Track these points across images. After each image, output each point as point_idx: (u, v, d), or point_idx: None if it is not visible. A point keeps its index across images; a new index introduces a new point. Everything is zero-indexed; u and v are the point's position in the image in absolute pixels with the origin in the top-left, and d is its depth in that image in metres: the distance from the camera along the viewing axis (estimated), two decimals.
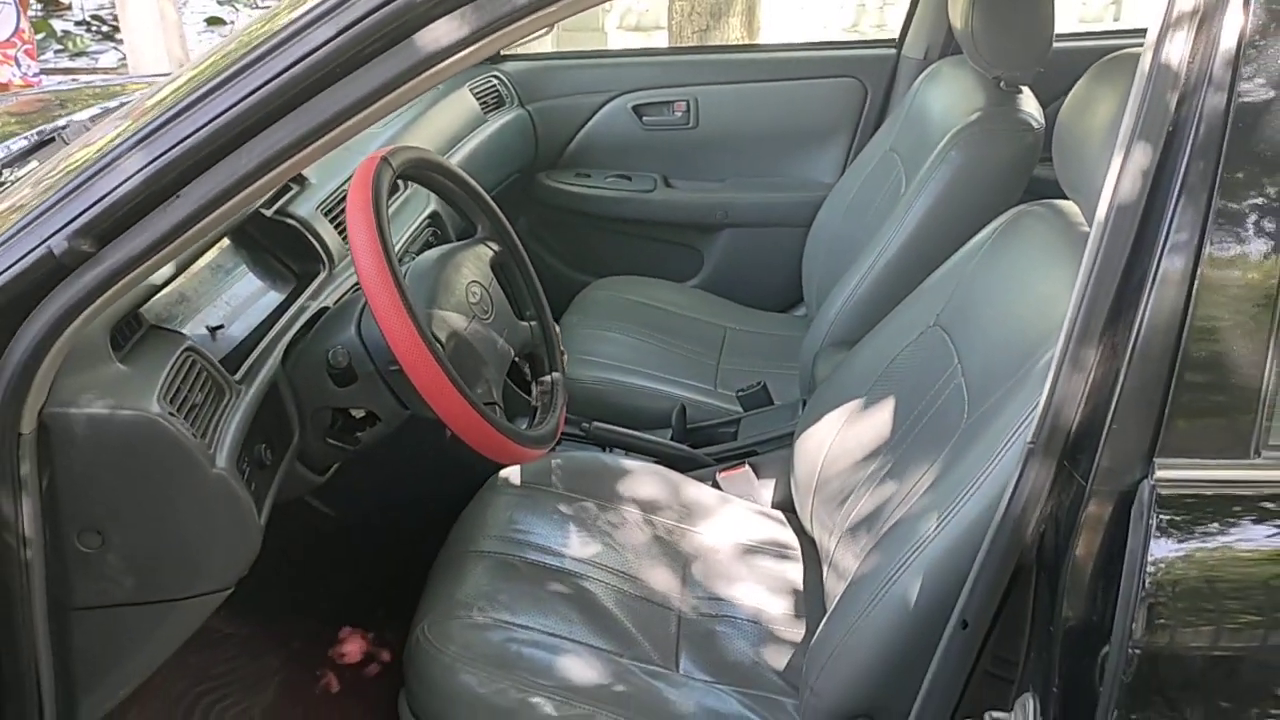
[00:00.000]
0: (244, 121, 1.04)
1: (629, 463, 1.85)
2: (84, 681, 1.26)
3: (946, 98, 2.10)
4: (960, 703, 1.11)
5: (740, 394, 2.11)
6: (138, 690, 1.73)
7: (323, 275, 1.69)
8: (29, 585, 1.15)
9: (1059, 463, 0.99)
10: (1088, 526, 0.96)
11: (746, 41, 4.89)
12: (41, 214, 1.08)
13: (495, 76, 2.69)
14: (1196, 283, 0.92)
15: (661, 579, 1.65)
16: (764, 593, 1.65)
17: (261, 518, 1.31)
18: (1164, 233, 0.93)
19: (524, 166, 2.73)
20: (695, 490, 1.82)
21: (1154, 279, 0.93)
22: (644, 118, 2.75)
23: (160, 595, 1.25)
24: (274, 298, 1.61)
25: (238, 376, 1.38)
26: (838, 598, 1.38)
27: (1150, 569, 0.92)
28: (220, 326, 1.47)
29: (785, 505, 1.85)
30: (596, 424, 2.00)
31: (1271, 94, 0.92)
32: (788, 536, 1.78)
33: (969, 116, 1.94)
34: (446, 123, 2.40)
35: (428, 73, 1.05)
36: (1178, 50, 0.94)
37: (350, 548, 1.93)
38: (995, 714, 1.07)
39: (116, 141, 1.09)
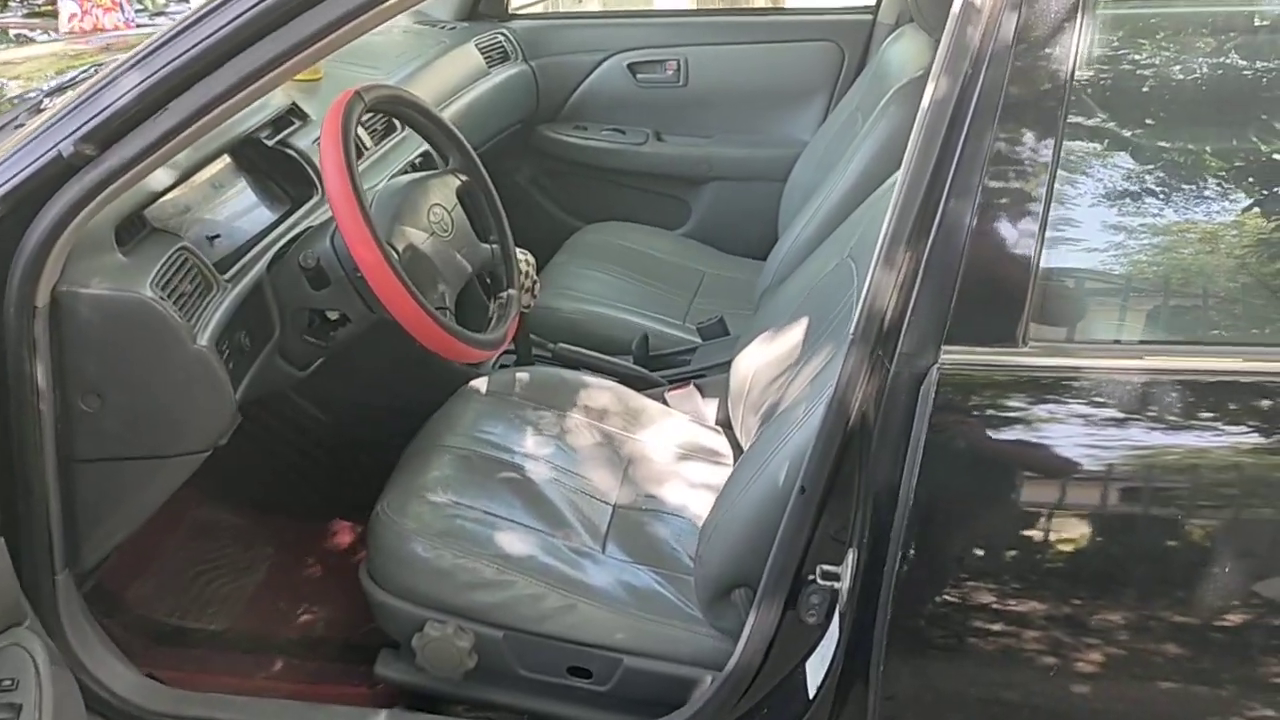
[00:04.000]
0: (220, 48, 1.26)
1: (586, 378, 2.05)
2: (85, 525, 1.50)
3: (899, 59, 2.28)
4: (804, 561, 1.31)
5: (699, 326, 2.31)
6: (144, 567, 1.99)
7: (315, 199, 1.90)
8: (41, 437, 1.39)
9: (873, 351, 1.18)
10: (890, 404, 1.15)
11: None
12: (54, 124, 1.30)
13: (501, 34, 2.91)
14: (978, 199, 1.11)
15: (602, 477, 1.85)
16: (692, 492, 1.86)
17: (237, 394, 1.54)
18: (956, 155, 1.12)
19: (525, 118, 2.94)
20: (643, 404, 2.02)
21: (947, 195, 1.12)
22: (638, 75, 2.96)
23: (148, 452, 1.48)
24: (269, 215, 1.83)
25: (226, 275, 1.60)
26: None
27: (929, 437, 1.11)
28: (217, 235, 1.70)
29: (726, 421, 2.05)
30: (562, 345, 2.21)
31: (1045, 39, 1.11)
32: (722, 446, 1.99)
33: (912, 75, 2.12)
34: (450, 74, 2.61)
35: (372, 11, 1.26)
36: None
37: (339, 449, 2.16)
38: (825, 566, 1.27)
39: (118, 63, 1.32)
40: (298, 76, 2.16)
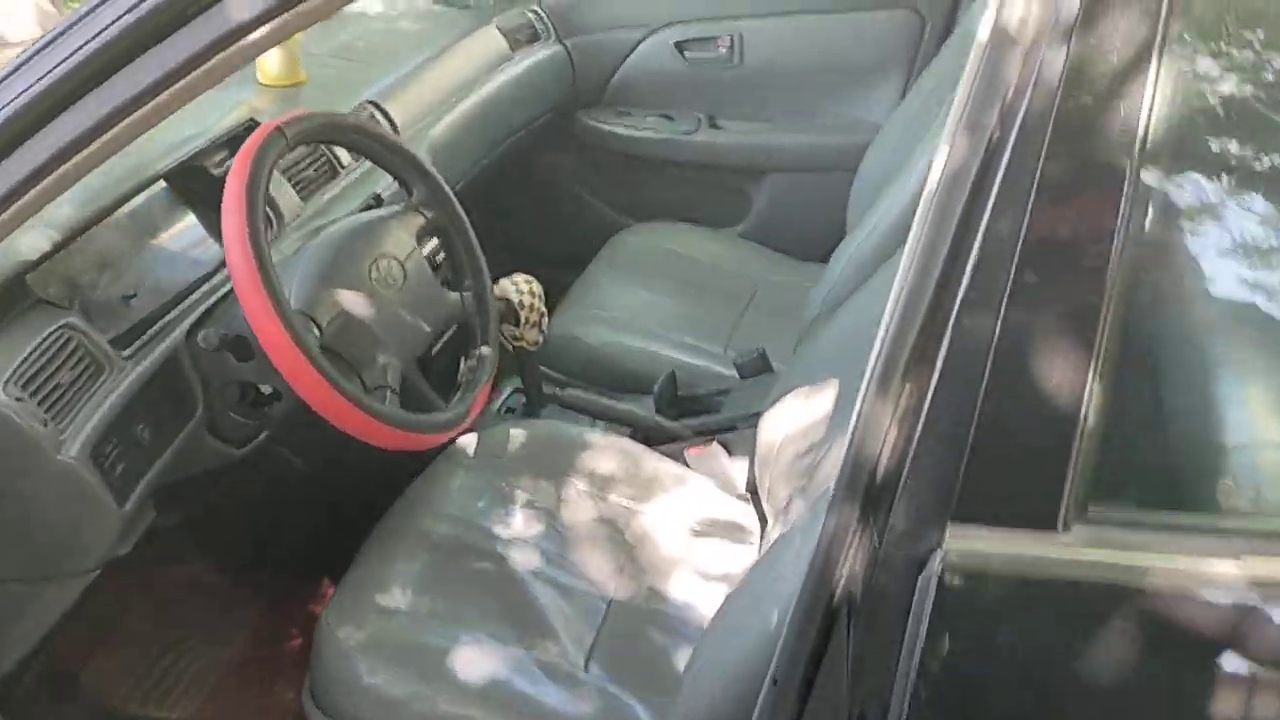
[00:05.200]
0: (55, 93, 0.98)
1: (592, 436, 1.76)
2: None
3: None
4: None
5: (737, 362, 1.98)
6: (106, 637, 1.78)
7: (271, 235, 1.64)
8: None
9: (861, 517, 0.85)
10: (879, 595, 0.83)
11: None
12: None
13: (532, 11, 2.56)
14: (1004, 310, 0.76)
15: (599, 565, 1.57)
16: (706, 584, 1.55)
17: (129, 503, 1.29)
18: (976, 248, 0.78)
19: (560, 104, 2.60)
20: (656, 468, 1.71)
21: (960, 304, 0.78)
22: (686, 54, 2.57)
23: (23, 574, 1.26)
24: (219, 252, 1.58)
25: (128, 351, 1.35)
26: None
27: (925, 649, 0.78)
28: (133, 295, 1.45)
29: (755, 486, 1.73)
30: (570, 390, 1.91)
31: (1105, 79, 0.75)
32: (748, 520, 1.67)
33: None
34: (463, 63, 2.29)
35: (233, 47, 0.97)
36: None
37: (328, 502, 1.91)
38: None
39: None
40: (268, 82, 1.90)
